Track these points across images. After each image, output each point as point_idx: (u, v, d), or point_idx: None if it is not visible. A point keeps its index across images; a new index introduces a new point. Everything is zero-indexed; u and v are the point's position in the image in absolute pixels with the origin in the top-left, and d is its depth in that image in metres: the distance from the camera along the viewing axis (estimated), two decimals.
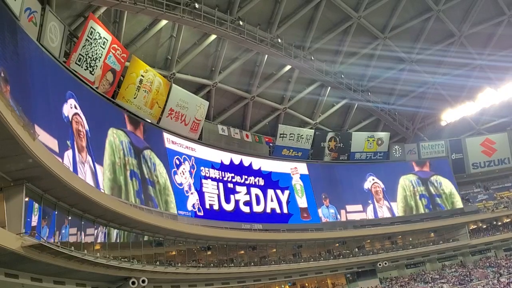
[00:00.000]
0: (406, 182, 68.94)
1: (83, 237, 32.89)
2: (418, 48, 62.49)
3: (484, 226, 69.01)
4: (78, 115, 37.48)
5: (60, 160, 30.54)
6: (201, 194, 51.57)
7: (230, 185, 55.84)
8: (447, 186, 69.58)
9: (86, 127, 38.66)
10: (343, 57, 60.17)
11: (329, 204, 63.81)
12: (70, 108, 36.16)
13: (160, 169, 46.51)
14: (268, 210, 58.32)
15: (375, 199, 67.41)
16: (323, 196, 64.05)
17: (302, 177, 63.61)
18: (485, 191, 74.22)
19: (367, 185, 68.26)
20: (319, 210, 62.78)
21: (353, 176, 67.73)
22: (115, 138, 40.80)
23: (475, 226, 68.74)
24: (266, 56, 54.57)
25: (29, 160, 23.79)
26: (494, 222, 69.11)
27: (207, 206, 51.72)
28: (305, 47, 56.57)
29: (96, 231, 35.07)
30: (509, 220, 68.93)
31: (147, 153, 45.32)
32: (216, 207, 52.89)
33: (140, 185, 42.35)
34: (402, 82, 66.03)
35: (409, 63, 63.75)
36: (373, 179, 68.85)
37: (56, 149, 31.33)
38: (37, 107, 30.65)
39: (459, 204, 68.85)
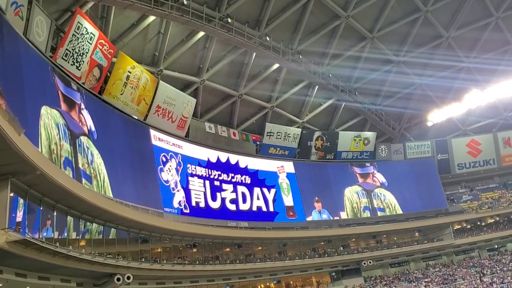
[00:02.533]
0: (352, 194, 67.33)
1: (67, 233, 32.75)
2: (405, 50, 62.71)
3: (468, 227, 69.57)
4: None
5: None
6: (187, 192, 51.47)
7: (217, 183, 55.79)
8: (391, 200, 68.81)
9: (90, 125, 38.98)
10: (330, 58, 60.24)
11: (321, 209, 63.97)
12: None
13: (98, 161, 39.39)
14: (254, 208, 58.36)
15: None
16: (316, 199, 64.26)
17: (289, 175, 63.71)
18: (470, 191, 74.87)
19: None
20: (310, 217, 62.92)
21: (341, 175, 68.10)
22: (50, 119, 33.03)
23: (460, 226, 69.23)
24: (254, 54, 54.55)
25: (14, 155, 23.62)
26: (478, 223, 69.72)
27: (193, 204, 51.65)
28: (294, 46, 56.56)
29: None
30: (493, 220, 69.56)
31: (84, 140, 37.85)
32: (202, 204, 52.82)
33: (74, 176, 34.84)
34: (389, 83, 66.27)
35: (396, 64, 63.98)
36: None
37: None
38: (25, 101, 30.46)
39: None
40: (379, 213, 67.31)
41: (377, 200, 67.81)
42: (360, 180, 68.83)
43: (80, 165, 35.93)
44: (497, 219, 69.43)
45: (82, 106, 38.57)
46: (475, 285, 58.85)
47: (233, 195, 56.93)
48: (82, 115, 38.32)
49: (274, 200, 60.60)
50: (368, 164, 70.05)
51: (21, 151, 23.50)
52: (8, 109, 22.85)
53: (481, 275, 61.23)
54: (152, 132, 49.62)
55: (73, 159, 35.12)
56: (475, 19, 62.52)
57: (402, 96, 68.85)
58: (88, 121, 39.19)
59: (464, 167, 74.40)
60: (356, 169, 69.26)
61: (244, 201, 57.72)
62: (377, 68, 63.95)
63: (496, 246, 68.95)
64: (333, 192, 66.04)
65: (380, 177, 69.89)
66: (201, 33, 49.41)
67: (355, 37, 59.74)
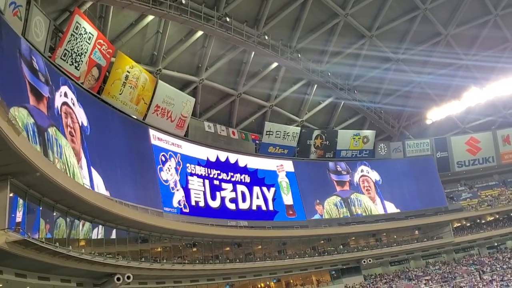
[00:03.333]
0: (331, 206, 65.66)
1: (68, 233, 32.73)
2: (404, 47, 62.67)
3: (468, 224, 69.59)
4: (67, 104, 36.85)
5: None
6: (187, 191, 51.44)
7: (216, 182, 55.76)
8: (367, 202, 67.92)
9: (82, 120, 38.18)
10: (329, 56, 60.23)
11: (323, 212, 64.16)
12: (59, 96, 35.87)
13: (67, 152, 35.60)
14: (254, 207, 58.33)
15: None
16: (317, 202, 64.34)
17: (288, 174, 63.69)
18: (469, 189, 74.92)
19: (356, 178, 68.90)
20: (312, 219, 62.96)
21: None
22: (18, 122, 26.69)
23: (459, 224, 69.25)
24: (253, 53, 54.52)
25: (14, 156, 23.59)
26: (478, 220, 69.79)
27: (193, 203, 51.62)
28: (292, 45, 56.57)
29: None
30: (493, 218, 69.63)
31: (52, 131, 33.86)
32: (202, 204, 52.80)
33: None
34: (388, 81, 66.29)
35: (395, 62, 63.97)
36: (361, 171, 69.61)
37: None
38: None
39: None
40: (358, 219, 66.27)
41: (355, 206, 67.04)
42: (338, 188, 67.68)
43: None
44: (497, 216, 69.53)
45: (74, 101, 37.80)
46: (475, 283, 58.89)
47: (233, 194, 56.90)
48: (73, 111, 37.56)
49: (273, 199, 60.59)
50: (344, 172, 68.91)
51: (21, 151, 23.49)
52: (7, 109, 22.84)
53: (481, 272, 61.26)
54: (151, 132, 49.58)
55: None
56: (473, 17, 62.48)
57: (401, 94, 68.83)
58: (81, 117, 38.42)
59: (464, 165, 74.38)
60: (333, 176, 68.30)
61: (244, 200, 57.69)
62: (376, 66, 63.92)
63: (495, 244, 69.00)
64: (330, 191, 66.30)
65: (374, 175, 69.55)
66: (200, 32, 49.38)
67: (353, 35, 59.73)
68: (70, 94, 37.22)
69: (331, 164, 68.62)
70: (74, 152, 36.16)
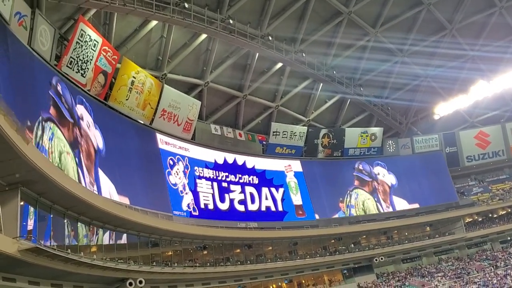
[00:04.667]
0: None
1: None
2: (409, 42, 62.37)
3: (480, 219, 69.21)
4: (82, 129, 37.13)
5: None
6: (195, 194, 51.54)
7: (225, 184, 55.80)
8: (363, 197, 67.64)
9: (98, 143, 38.76)
10: (334, 52, 60.06)
11: (345, 208, 64.49)
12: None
13: (60, 143, 34.52)
14: (263, 208, 58.33)
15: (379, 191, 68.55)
16: (340, 200, 64.93)
17: (296, 174, 63.62)
18: (480, 183, 74.40)
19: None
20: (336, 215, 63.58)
21: (349, 172, 68.20)
22: None
23: (471, 219, 68.88)
24: (257, 54, 54.54)
25: (24, 164, 23.73)
26: (490, 215, 69.33)
27: (202, 206, 51.70)
28: (296, 42, 56.48)
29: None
30: (505, 212, 69.12)
31: (49, 124, 33.55)
32: (211, 206, 52.86)
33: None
34: (395, 76, 65.96)
35: (400, 57, 63.66)
36: (378, 174, 69.59)
37: None
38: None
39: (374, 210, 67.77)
40: (351, 210, 66.28)
41: (350, 198, 66.84)
42: (356, 183, 67.99)
43: (42, 143, 31.97)
44: (509, 210, 68.90)
45: (90, 123, 38.44)
46: (489, 278, 58.52)
47: (242, 196, 56.91)
48: (89, 134, 38.19)
49: (282, 200, 60.53)
50: (365, 173, 69.18)
51: (30, 160, 23.64)
52: (16, 119, 22.97)
53: (495, 267, 60.90)
54: (159, 136, 49.73)
55: (41, 140, 31.78)
56: (478, 9, 61.99)
57: (408, 89, 68.46)
58: (96, 140, 39.06)
59: (473, 160, 73.96)
60: (356, 172, 68.88)
61: (253, 201, 57.70)
62: (382, 60, 63.57)
63: (509, 238, 68.19)
64: (342, 189, 66.30)
65: (390, 179, 69.26)
66: (204, 36, 49.49)
67: (358, 32, 59.57)
68: (86, 116, 37.40)
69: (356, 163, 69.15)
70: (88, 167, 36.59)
